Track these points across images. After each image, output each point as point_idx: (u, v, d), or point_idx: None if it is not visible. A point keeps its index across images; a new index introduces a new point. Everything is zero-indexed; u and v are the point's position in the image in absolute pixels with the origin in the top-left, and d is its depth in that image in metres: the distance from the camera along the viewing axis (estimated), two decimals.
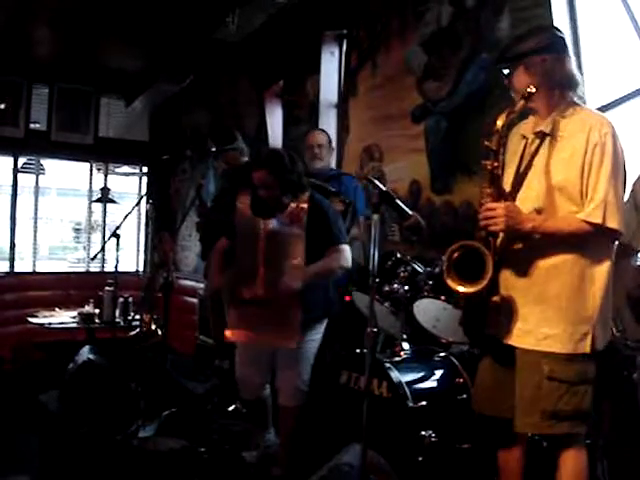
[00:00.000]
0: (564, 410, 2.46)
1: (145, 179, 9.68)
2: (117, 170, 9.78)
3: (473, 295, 2.48)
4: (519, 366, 2.56)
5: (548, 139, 2.56)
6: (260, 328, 3.67)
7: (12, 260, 8.59)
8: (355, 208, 4.12)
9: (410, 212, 2.93)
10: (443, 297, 3.42)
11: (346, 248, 3.68)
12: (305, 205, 3.64)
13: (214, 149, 4.91)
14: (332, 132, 5.62)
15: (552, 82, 2.54)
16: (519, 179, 2.60)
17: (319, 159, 4.52)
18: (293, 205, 3.65)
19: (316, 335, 3.78)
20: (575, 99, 2.57)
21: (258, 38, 6.23)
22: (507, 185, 2.59)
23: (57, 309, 6.40)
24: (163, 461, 3.73)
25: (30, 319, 6.07)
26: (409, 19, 4.85)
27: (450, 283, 2.52)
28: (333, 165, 4.89)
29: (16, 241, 8.60)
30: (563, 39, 2.61)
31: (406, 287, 3.60)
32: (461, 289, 2.50)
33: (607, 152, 2.42)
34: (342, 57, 5.81)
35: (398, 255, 3.74)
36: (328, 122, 5.75)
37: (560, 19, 3.75)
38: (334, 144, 4.86)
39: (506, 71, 2.65)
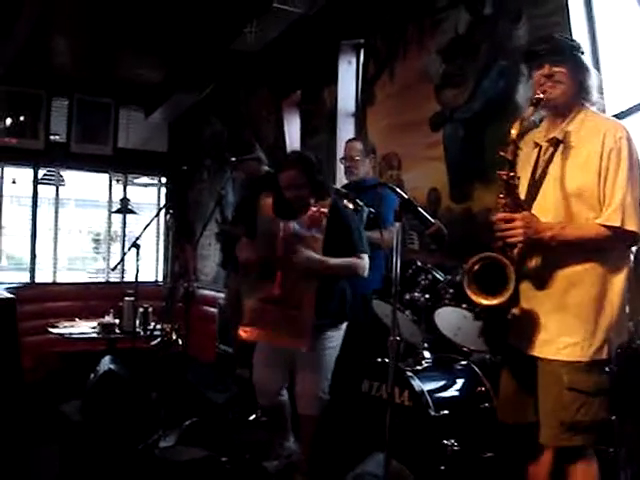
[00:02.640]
0: (582, 421, 2.45)
1: (164, 190, 9.73)
2: (136, 181, 9.83)
3: (497, 308, 2.47)
4: (541, 376, 2.56)
5: (562, 146, 2.55)
6: (274, 328, 3.69)
7: (32, 271, 8.67)
8: (382, 216, 4.10)
9: (433, 220, 2.92)
10: (464, 305, 3.39)
11: (365, 257, 3.70)
12: (326, 210, 3.66)
13: (234, 159, 4.92)
14: None
15: (567, 90, 2.54)
16: (534, 187, 2.58)
17: (351, 172, 4.53)
18: (314, 209, 3.68)
19: (334, 342, 3.78)
20: (588, 106, 2.56)
21: (276, 48, 6.25)
22: (521, 194, 2.58)
23: (77, 319, 6.44)
24: (184, 471, 3.74)
25: (51, 329, 6.11)
26: (426, 27, 4.85)
27: (472, 296, 2.51)
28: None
29: (36, 252, 8.67)
30: (580, 48, 2.60)
31: (427, 295, 3.60)
32: (484, 302, 2.48)
33: (623, 156, 2.42)
34: (359, 66, 5.82)
35: (418, 263, 3.73)
36: (346, 131, 5.75)
37: (578, 26, 3.74)
38: None
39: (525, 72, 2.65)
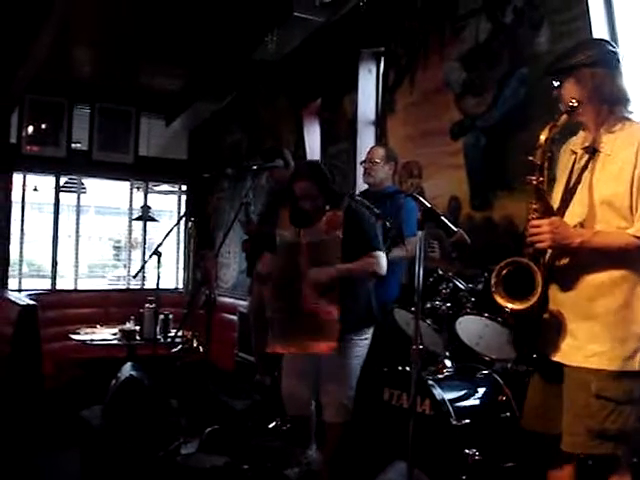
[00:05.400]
0: (610, 429, 2.42)
1: (184, 197, 9.79)
2: (156, 188, 9.89)
3: (524, 313, 2.46)
4: (567, 383, 2.53)
5: (597, 154, 2.53)
6: (301, 337, 3.68)
7: (54, 278, 8.74)
8: (402, 224, 4.11)
9: (455, 228, 2.92)
10: (486, 314, 3.38)
11: (381, 254, 3.68)
12: (341, 212, 3.67)
13: (255, 167, 4.93)
14: None
15: (601, 97, 2.51)
16: (568, 194, 2.57)
17: (368, 174, 4.57)
18: (329, 213, 3.69)
19: (361, 351, 3.77)
20: (625, 114, 2.55)
21: (296, 57, 6.29)
22: (557, 201, 2.57)
23: (98, 326, 6.47)
24: (206, 478, 3.74)
25: (72, 336, 6.14)
26: (447, 35, 4.85)
27: (499, 300, 2.50)
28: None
29: (57, 259, 8.74)
30: (616, 54, 2.58)
31: (448, 304, 3.58)
32: (510, 306, 2.47)
33: None
34: (380, 74, 5.82)
35: (440, 272, 3.72)
36: (366, 139, 5.76)
37: (599, 32, 3.72)
38: None
39: (556, 83, 2.63)
